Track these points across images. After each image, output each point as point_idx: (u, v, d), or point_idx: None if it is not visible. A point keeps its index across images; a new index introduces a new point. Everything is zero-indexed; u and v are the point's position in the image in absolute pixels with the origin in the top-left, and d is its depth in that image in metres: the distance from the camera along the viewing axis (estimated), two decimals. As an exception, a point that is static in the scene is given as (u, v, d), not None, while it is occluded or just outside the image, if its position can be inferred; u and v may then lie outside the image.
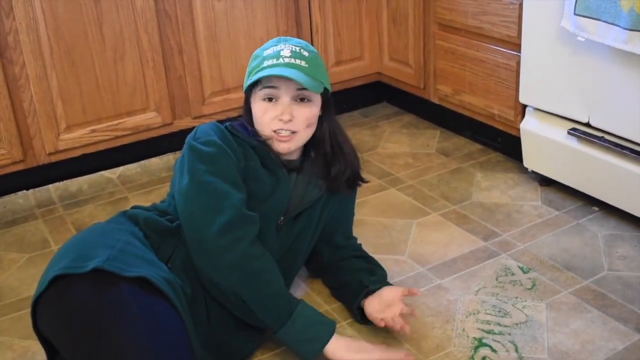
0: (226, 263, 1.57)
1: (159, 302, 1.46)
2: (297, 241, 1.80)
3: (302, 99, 1.72)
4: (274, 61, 1.69)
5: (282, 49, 1.72)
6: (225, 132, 1.70)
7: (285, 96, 1.70)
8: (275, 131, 1.71)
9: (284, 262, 1.76)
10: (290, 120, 1.70)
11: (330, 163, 1.81)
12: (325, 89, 1.76)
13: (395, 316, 1.72)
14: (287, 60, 1.69)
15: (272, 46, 1.74)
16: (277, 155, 1.74)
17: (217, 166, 1.63)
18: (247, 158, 1.70)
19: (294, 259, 1.80)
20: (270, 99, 1.71)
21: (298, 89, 1.70)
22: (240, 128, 1.75)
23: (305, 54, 1.72)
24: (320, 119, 1.79)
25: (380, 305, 1.76)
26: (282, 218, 1.73)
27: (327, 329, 1.65)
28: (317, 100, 1.75)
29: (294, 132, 1.72)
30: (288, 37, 1.80)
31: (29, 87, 2.46)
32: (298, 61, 1.70)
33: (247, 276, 1.58)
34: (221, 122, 1.77)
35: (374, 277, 1.86)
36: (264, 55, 1.73)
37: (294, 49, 1.72)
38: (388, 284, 1.85)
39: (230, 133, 1.71)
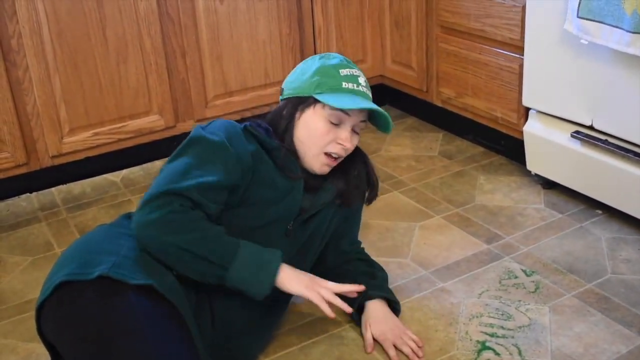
0: (153, 221, 1.49)
1: (165, 309, 1.45)
2: (306, 245, 1.79)
3: (356, 132, 1.74)
4: (354, 87, 1.70)
5: (359, 76, 1.73)
6: (237, 131, 1.66)
7: (349, 122, 1.70)
8: (327, 153, 1.71)
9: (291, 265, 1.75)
10: (349, 149, 1.72)
11: (348, 172, 1.82)
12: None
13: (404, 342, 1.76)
14: (364, 89, 1.72)
15: (343, 66, 1.72)
16: (295, 162, 1.72)
17: (203, 156, 1.59)
18: (259, 161, 1.66)
19: (301, 263, 1.79)
20: (336, 123, 1.70)
21: (362, 121, 1.73)
22: (261, 130, 1.71)
23: (367, 82, 1.77)
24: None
25: (384, 333, 1.78)
26: (291, 223, 1.73)
27: (274, 255, 1.58)
28: None
29: (339, 158, 1.74)
30: (342, 57, 1.77)
31: (32, 91, 2.47)
32: (369, 93, 1.74)
33: (180, 226, 1.50)
34: (242, 120, 1.76)
35: (375, 280, 1.86)
36: (341, 74, 1.70)
37: (365, 80, 1.75)
38: (388, 290, 1.87)
39: (249, 132, 1.68)
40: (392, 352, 1.74)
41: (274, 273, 1.56)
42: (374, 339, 1.78)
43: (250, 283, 1.53)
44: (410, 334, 1.77)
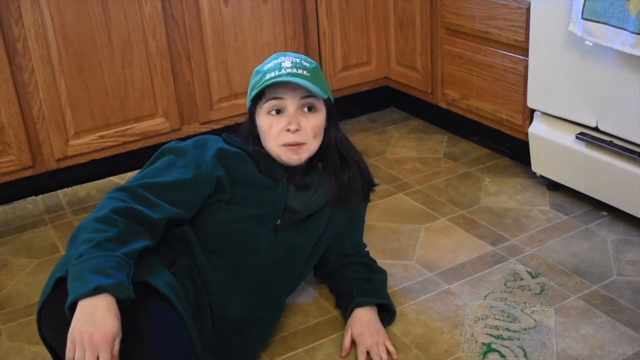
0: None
1: (162, 306, 1.46)
2: (299, 246, 1.79)
3: (309, 108, 1.73)
4: (276, 72, 1.71)
5: (283, 61, 1.73)
6: (205, 139, 1.73)
7: (291, 106, 1.71)
8: (283, 145, 1.72)
9: (285, 266, 1.75)
10: (297, 130, 1.70)
11: (341, 173, 1.80)
12: (329, 98, 1.77)
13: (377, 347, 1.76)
14: (289, 70, 1.71)
15: (272, 60, 1.76)
16: (275, 163, 1.75)
17: (165, 162, 1.65)
18: (242, 161, 1.72)
19: (296, 265, 1.79)
20: (277, 112, 1.71)
21: (302, 97, 1.71)
22: (237, 139, 1.78)
23: (306, 64, 1.74)
24: (326, 131, 1.79)
25: (364, 334, 1.78)
26: (279, 221, 1.73)
27: (87, 286, 1.33)
28: (322, 109, 1.76)
29: (302, 144, 1.72)
30: (287, 52, 1.81)
31: (38, 94, 2.48)
32: (300, 70, 1.71)
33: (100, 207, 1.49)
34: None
35: (370, 285, 1.87)
36: (265, 69, 1.74)
37: (294, 60, 1.73)
38: (382, 296, 1.87)
39: (225, 142, 1.74)
40: (362, 357, 1.75)
41: (74, 296, 1.32)
42: (353, 342, 1.79)
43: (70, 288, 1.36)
44: (389, 345, 1.77)
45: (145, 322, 1.39)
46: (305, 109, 1.73)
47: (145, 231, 1.49)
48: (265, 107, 1.72)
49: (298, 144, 1.72)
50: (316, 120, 1.74)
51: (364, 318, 1.81)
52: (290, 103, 1.71)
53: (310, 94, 1.71)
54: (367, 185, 1.86)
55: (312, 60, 1.79)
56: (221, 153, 1.69)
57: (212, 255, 1.64)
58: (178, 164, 1.64)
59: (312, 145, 1.75)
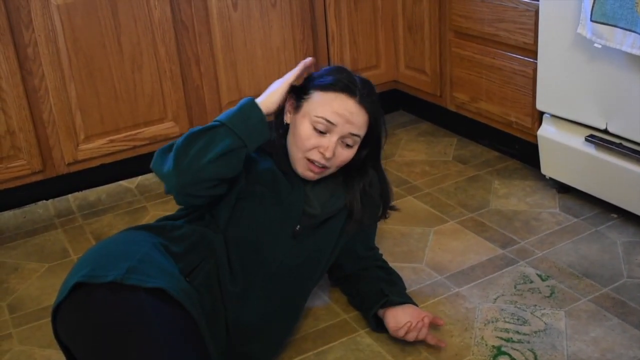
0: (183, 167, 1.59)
1: (177, 312, 1.46)
2: (317, 251, 1.79)
3: (347, 145, 1.73)
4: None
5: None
6: None
7: (336, 135, 1.70)
8: (308, 159, 1.72)
9: (303, 272, 1.76)
10: (330, 159, 1.71)
11: (362, 199, 1.83)
12: (373, 135, 1.78)
13: (422, 326, 1.74)
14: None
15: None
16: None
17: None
18: (261, 159, 1.74)
19: (314, 269, 1.80)
20: (321, 130, 1.70)
21: (351, 134, 1.72)
22: None
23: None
24: (365, 160, 1.82)
25: (404, 318, 1.76)
26: (298, 225, 1.74)
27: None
28: (358, 143, 1.77)
29: (326, 168, 1.74)
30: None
31: (48, 98, 2.49)
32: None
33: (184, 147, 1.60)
34: None
35: (394, 287, 1.86)
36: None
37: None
38: (408, 297, 1.87)
39: None
40: (411, 334, 1.73)
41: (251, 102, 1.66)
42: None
43: (245, 120, 1.63)
44: (436, 319, 1.78)
45: (159, 328, 1.40)
46: (348, 142, 1.73)
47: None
48: (313, 117, 1.70)
49: (322, 168, 1.73)
50: (349, 155, 1.75)
51: (406, 308, 1.80)
52: (338, 132, 1.70)
53: (358, 134, 1.72)
54: (384, 204, 1.90)
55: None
56: (264, 156, 1.74)
57: (232, 263, 1.64)
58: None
59: (332, 171, 1.77)
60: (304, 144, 1.70)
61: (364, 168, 1.82)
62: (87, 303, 1.44)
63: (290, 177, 1.75)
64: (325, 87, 1.71)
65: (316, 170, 1.72)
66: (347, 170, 1.82)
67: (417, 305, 1.85)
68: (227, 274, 1.62)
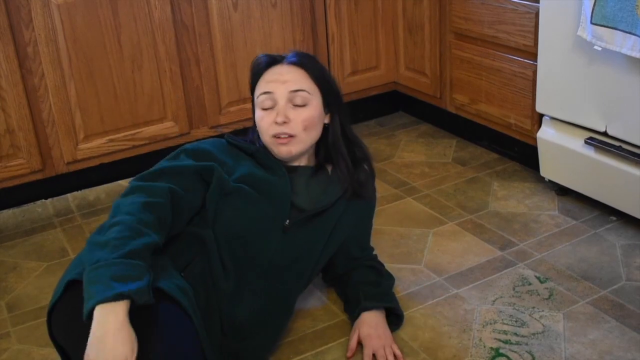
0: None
1: (172, 308, 1.46)
2: (309, 247, 1.79)
3: (299, 105, 1.76)
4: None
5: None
6: (219, 142, 1.79)
7: (280, 100, 1.75)
8: (274, 136, 1.75)
9: (295, 268, 1.76)
10: (285, 122, 1.74)
11: (354, 169, 1.84)
12: (327, 92, 1.81)
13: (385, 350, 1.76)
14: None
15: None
16: (275, 161, 1.79)
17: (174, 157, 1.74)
18: (242, 157, 1.77)
19: (306, 266, 1.80)
20: (269, 106, 1.76)
21: (292, 91, 1.75)
22: (240, 139, 1.83)
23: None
24: (329, 125, 1.83)
25: (368, 343, 1.78)
26: (287, 220, 1.74)
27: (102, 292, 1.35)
28: (315, 103, 1.78)
29: (292, 136, 1.75)
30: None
31: (47, 98, 2.49)
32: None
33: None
34: (222, 135, 1.87)
35: (377, 289, 1.87)
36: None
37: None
38: (388, 300, 1.87)
39: (228, 143, 1.80)
40: (367, 359, 1.75)
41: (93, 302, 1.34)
42: (359, 343, 1.79)
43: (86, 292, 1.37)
44: (395, 349, 1.77)
45: (154, 324, 1.40)
46: (297, 101, 1.76)
47: (154, 219, 1.51)
48: (258, 102, 1.78)
49: (287, 136, 1.75)
50: (307, 113, 1.76)
51: (372, 321, 1.81)
52: (280, 97, 1.75)
53: (300, 89, 1.75)
54: (372, 177, 1.91)
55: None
56: (221, 146, 1.77)
57: (224, 259, 1.64)
58: (181, 157, 1.73)
59: (303, 138, 1.77)
60: (262, 126, 1.77)
61: (335, 137, 1.83)
62: (79, 301, 1.44)
63: (274, 171, 1.76)
64: (256, 75, 1.82)
65: (284, 141, 1.75)
66: (328, 154, 1.84)
67: (393, 307, 1.85)
68: (219, 270, 1.62)
